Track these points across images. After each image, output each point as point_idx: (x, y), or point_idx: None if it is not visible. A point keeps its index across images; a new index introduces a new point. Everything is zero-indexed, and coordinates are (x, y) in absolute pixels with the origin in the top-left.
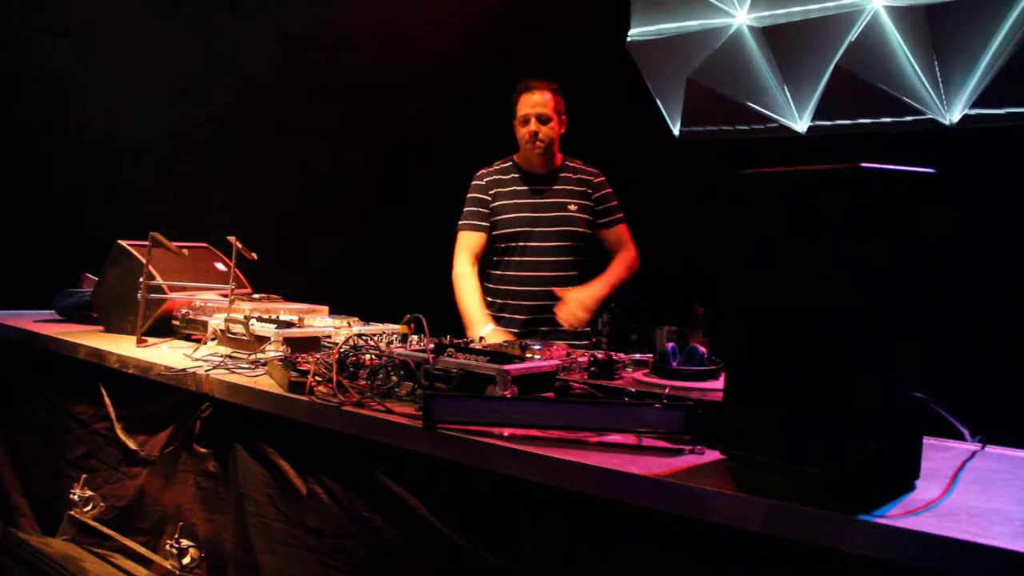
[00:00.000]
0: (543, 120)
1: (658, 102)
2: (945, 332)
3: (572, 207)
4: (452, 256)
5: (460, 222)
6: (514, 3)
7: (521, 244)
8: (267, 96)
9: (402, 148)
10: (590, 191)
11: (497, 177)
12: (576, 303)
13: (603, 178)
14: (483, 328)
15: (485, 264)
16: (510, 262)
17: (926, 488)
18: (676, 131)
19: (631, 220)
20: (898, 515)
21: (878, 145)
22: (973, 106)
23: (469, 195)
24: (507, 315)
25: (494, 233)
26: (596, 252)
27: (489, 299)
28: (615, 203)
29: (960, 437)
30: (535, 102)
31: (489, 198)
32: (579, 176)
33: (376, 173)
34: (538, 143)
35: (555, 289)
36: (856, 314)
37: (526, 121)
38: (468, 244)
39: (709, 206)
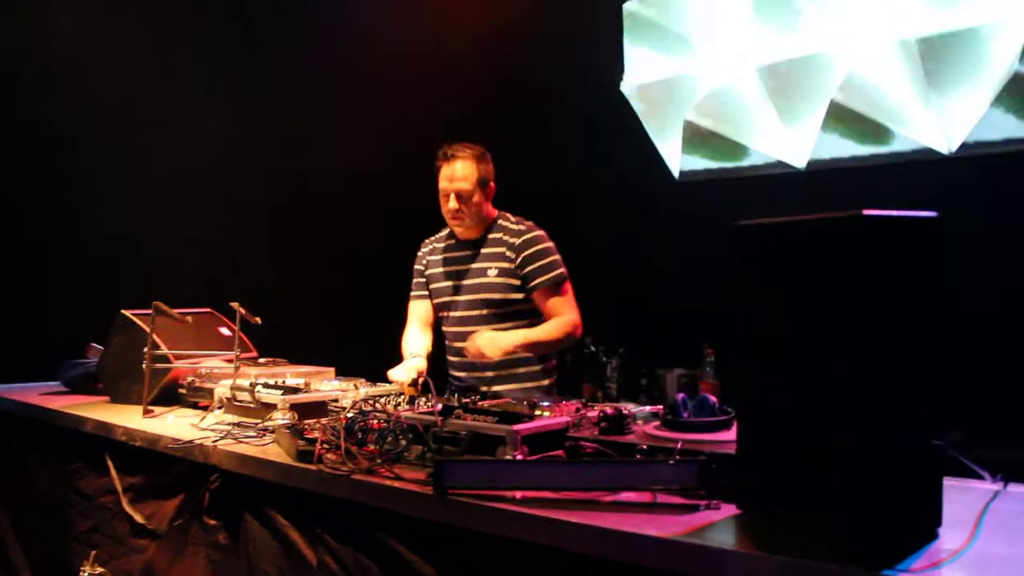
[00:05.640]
0: (463, 198)
1: (656, 145)
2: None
3: (492, 271)
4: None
5: (410, 293)
6: (503, 53)
7: (446, 313)
8: (266, 160)
9: (402, 202)
10: (512, 254)
11: (432, 246)
12: (487, 338)
13: (534, 235)
14: (408, 360)
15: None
16: (445, 332)
17: (949, 536)
18: (676, 173)
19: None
20: (923, 568)
21: (877, 176)
22: (971, 134)
23: (414, 267)
24: (461, 381)
25: (432, 301)
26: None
27: (449, 359)
28: (547, 261)
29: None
30: (455, 176)
31: (423, 267)
32: (506, 238)
33: (376, 231)
34: (456, 221)
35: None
36: (870, 363)
37: (446, 197)
38: (414, 312)
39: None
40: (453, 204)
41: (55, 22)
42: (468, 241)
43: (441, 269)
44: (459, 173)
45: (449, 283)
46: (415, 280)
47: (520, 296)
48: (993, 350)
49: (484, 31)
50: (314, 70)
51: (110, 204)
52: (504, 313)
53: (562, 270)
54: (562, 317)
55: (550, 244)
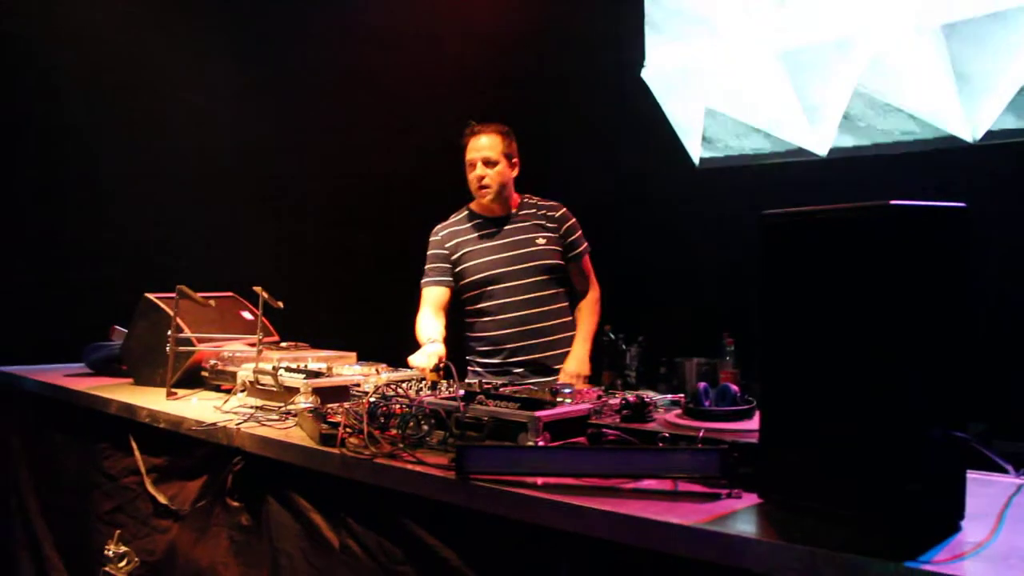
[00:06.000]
0: (489, 164)
1: (677, 132)
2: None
3: (541, 240)
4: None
5: (422, 280)
6: (524, 40)
7: (492, 288)
8: (289, 148)
9: (429, 190)
10: (554, 224)
11: (453, 229)
12: (574, 362)
13: (565, 209)
14: (427, 345)
15: (463, 318)
16: (485, 308)
17: (972, 529)
18: (696, 160)
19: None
20: (946, 560)
21: (900, 164)
22: (996, 122)
23: (428, 252)
24: (496, 360)
25: (462, 283)
26: None
27: (474, 347)
28: (579, 234)
29: (1003, 470)
30: (480, 146)
31: (447, 251)
32: (541, 212)
33: (397, 215)
34: (484, 189)
35: (540, 328)
36: (895, 353)
37: (472, 166)
38: (429, 298)
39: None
40: (480, 171)
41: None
42: (499, 218)
43: (480, 246)
44: (485, 143)
45: (496, 256)
46: (432, 266)
47: (563, 264)
48: (1018, 341)
49: (505, 17)
50: (332, 57)
51: (135, 188)
52: (555, 279)
53: (586, 242)
54: (592, 294)
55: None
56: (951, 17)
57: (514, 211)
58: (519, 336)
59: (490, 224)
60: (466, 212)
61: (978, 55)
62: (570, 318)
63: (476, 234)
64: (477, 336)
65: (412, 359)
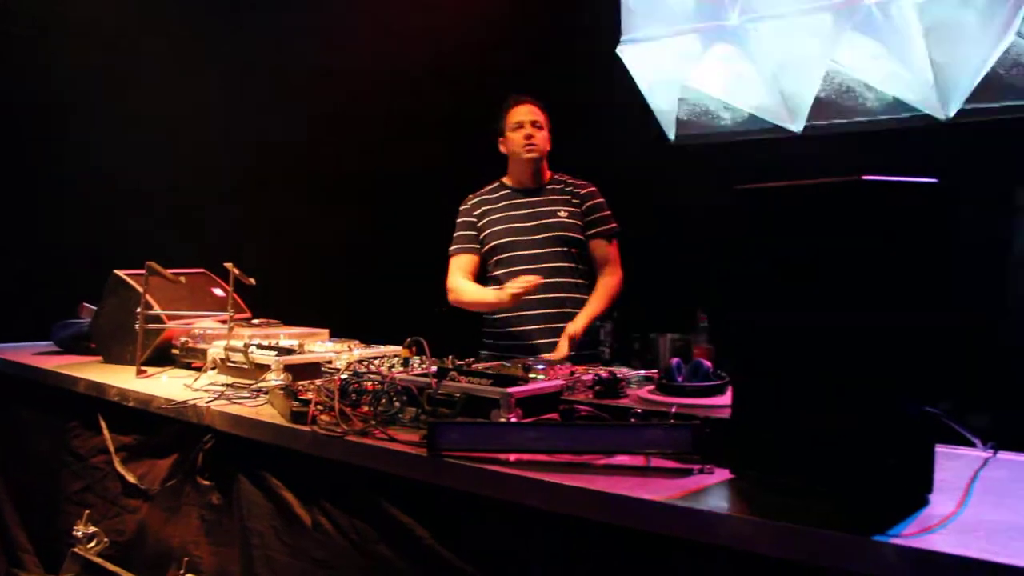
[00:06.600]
0: (537, 127)
1: (652, 108)
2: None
3: (562, 213)
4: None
5: (450, 248)
6: (499, 15)
7: (509, 254)
8: (260, 121)
9: (399, 165)
10: (578, 200)
11: (484, 198)
12: (566, 336)
13: (594, 188)
14: (497, 294)
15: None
16: (499, 276)
17: (940, 502)
18: (671, 135)
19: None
20: (914, 534)
21: (874, 142)
22: (968, 101)
23: (457, 221)
24: (508, 329)
25: (485, 250)
26: None
27: (486, 317)
28: (606, 214)
29: (971, 444)
30: (529, 111)
31: (475, 219)
32: (569, 188)
33: (372, 192)
34: (534, 147)
35: (550, 299)
36: (865, 329)
37: (520, 126)
38: (459, 265)
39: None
40: (529, 130)
41: None
42: (529, 189)
43: (504, 214)
44: (534, 108)
45: (516, 224)
46: (460, 233)
47: (582, 238)
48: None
49: None
50: (296, 43)
51: (106, 163)
52: (571, 254)
53: (616, 225)
54: (612, 278)
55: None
56: None
57: (544, 184)
58: (528, 304)
59: (518, 195)
60: (497, 184)
61: (952, 34)
62: (585, 296)
63: (503, 203)
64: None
65: (501, 293)
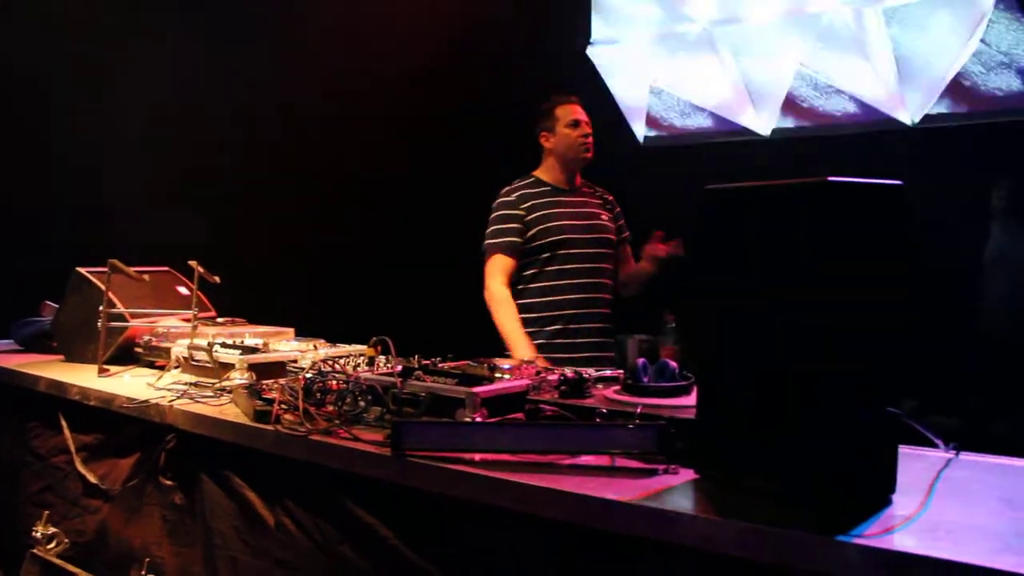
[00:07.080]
0: (591, 127)
1: (621, 109)
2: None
3: (604, 216)
4: (483, 277)
5: (491, 242)
6: (464, 15)
7: (563, 252)
8: (228, 116)
9: (368, 168)
10: (610, 206)
11: (526, 191)
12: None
13: (613, 197)
14: (526, 353)
15: (516, 285)
16: (550, 272)
17: (902, 502)
18: (640, 137)
19: None
20: (876, 534)
21: (841, 146)
22: (934, 106)
23: (498, 213)
24: (556, 327)
25: (533, 244)
26: None
27: (530, 317)
28: (624, 222)
29: (933, 445)
30: (582, 111)
31: (523, 212)
32: (598, 192)
33: (339, 190)
34: (588, 148)
35: (598, 299)
36: (828, 330)
37: (577, 125)
38: (502, 267)
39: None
40: (585, 130)
41: None
42: (567, 189)
43: (555, 210)
44: (582, 109)
45: (571, 222)
46: (504, 227)
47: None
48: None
49: None
50: (271, 39)
51: (68, 160)
52: (610, 255)
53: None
54: None
55: None
56: (893, 1)
57: (578, 187)
58: (578, 303)
59: (560, 193)
60: (533, 179)
61: (918, 39)
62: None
63: (548, 199)
64: (532, 302)
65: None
